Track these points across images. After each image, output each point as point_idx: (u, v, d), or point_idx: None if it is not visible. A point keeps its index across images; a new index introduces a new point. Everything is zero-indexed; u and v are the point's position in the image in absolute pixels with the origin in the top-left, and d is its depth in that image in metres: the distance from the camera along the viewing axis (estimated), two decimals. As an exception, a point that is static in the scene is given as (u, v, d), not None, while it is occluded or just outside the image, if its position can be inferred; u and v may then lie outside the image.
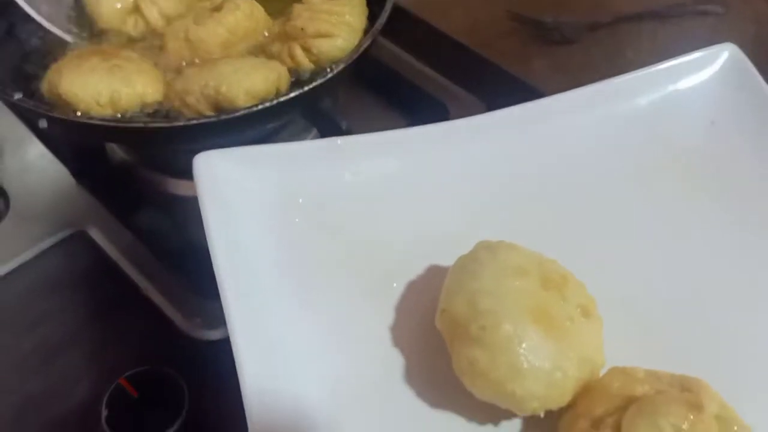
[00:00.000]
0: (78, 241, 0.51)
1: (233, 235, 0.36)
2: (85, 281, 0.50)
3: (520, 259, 0.36)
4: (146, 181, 0.56)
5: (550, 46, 0.66)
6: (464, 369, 0.34)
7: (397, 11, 0.51)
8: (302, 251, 0.38)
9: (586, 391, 0.33)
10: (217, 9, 0.51)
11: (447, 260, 0.38)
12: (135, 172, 0.56)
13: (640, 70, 0.44)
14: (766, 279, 0.40)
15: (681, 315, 0.39)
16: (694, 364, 0.34)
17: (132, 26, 0.52)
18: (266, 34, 0.53)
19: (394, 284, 0.39)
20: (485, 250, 0.36)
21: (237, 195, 0.38)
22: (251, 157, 0.39)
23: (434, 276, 0.39)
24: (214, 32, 0.50)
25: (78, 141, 0.54)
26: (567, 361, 0.32)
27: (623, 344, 0.36)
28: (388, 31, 0.50)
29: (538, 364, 0.32)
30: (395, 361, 0.37)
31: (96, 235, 0.51)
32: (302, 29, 0.49)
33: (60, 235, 0.51)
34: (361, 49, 0.48)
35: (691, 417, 0.30)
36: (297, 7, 0.51)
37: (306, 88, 0.45)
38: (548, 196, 0.42)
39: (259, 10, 0.52)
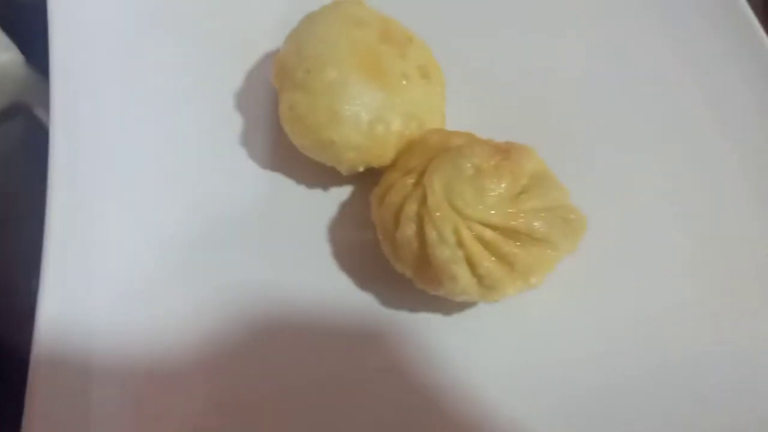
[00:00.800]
0: (24, 119, 0.47)
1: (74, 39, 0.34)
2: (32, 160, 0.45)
3: (364, 13, 0.33)
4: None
5: None
6: (285, 115, 0.32)
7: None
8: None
9: (408, 147, 0.32)
10: None
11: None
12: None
13: None
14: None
15: (534, 90, 0.37)
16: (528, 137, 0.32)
17: None
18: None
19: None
20: (332, 4, 0.34)
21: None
22: None
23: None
24: None
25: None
26: (391, 114, 0.31)
27: (465, 115, 0.34)
28: None
29: (358, 111, 0.30)
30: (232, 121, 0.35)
31: (42, 114, 0.46)
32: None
33: (6, 114, 0.47)
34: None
35: (496, 160, 0.29)
36: None
37: None
38: None
39: None
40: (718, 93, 0.37)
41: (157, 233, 0.33)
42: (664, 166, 0.36)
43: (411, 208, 0.29)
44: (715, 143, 0.36)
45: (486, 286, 0.29)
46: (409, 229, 0.29)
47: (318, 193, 0.35)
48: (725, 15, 0.37)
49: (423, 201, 0.29)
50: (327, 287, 0.32)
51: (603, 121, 0.37)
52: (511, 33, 0.39)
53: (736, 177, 0.35)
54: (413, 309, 0.32)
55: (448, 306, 0.32)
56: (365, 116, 0.31)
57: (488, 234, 0.28)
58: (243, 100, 0.37)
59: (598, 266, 0.33)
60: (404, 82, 0.32)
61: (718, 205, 0.35)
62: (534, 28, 0.39)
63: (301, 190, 0.35)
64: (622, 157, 0.36)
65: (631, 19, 0.39)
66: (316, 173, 0.34)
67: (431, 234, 0.29)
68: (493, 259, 0.29)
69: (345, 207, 0.34)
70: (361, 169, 0.32)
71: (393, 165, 0.32)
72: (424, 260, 0.29)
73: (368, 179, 0.33)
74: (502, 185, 0.29)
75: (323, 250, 0.33)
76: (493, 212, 0.28)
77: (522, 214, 0.29)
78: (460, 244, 0.28)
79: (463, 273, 0.29)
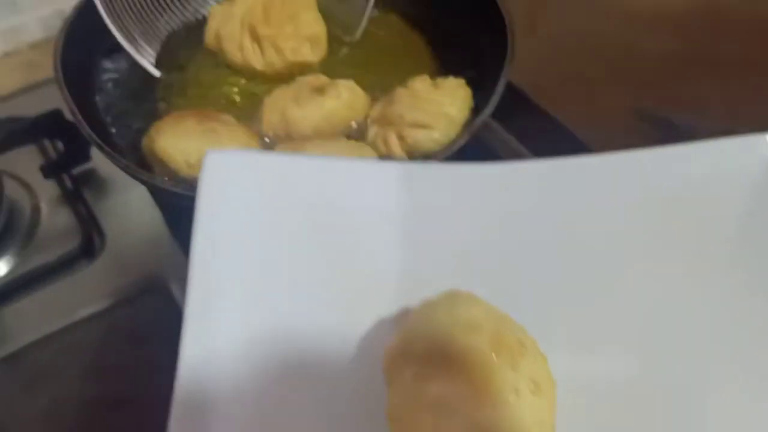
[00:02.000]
0: (161, 294, 0.51)
1: (216, 239, 0.35)
2: (160, 338, 0.47)
3: (478, 314, 0.33)
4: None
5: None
6: (391, 417, 0.32)
7: (511, 92, 0.49)
8: (278, 270, 0.37)
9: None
10: (319, 92, 0.50)
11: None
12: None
13: (671, 145, 0.39)
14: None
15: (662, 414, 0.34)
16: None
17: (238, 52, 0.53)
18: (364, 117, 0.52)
19: (358, 327, 0.37)
20: (447, 299, 0.34)
21: (233, 199, 0.37)
22: (257, 162, 0.38)
23: (400, 317, 0.37)
24: (311, 115, 0.50)
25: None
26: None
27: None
28: (497, 114, 0.47)
29: None
30: (340, 401, 0.35)
31: (177, 292, 0.50)
32: (400, 116, 0.48)
33: (143, 287, 0.51)
34: (456, 146, 0.46)
35: None
36: (400, 92, 0.50)
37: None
38: (540, 260, 0.38)
39: (360, 100, 0.51)
40: None
41: None
42: None
43: None
44: None
45: None
46: None
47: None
48: None
49: None
50: None
51: None
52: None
53: None
54: None
55: None
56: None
57: None
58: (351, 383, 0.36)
59: None
60: (514, 399, 0.30)
61: None
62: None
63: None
64: None
65: None
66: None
67: None
68: None
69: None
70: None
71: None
72: None
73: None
74: None
75: None
76: None
77: None
78: None
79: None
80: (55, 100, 0.50)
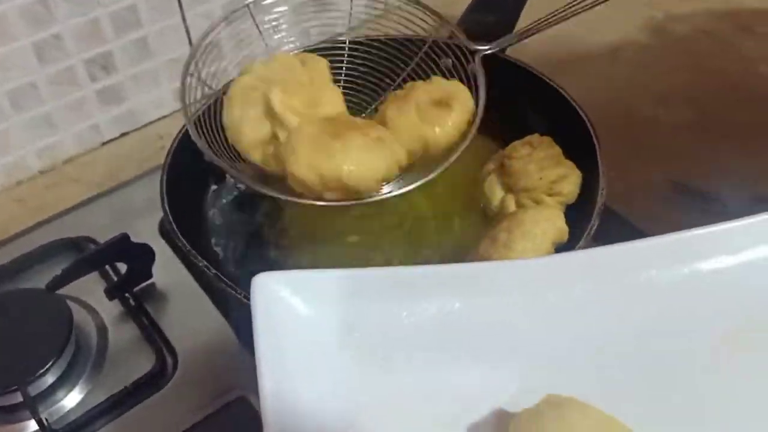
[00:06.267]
0: (239, 407, 0.50)
1: (282, 365, 0.35)
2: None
3: (589, 422, 0.33)
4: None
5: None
6: None
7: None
8: (350, 391, 0.36)
9: None
10: (441, 106, 0.51)
11: (509, 412, 0.35)
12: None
13: (723, 223, 0.40)
14: None
15: None
16: None
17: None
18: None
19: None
20: (551, 406, 0.34)
21: (291, 322, 0.37)
22: (310, 283, 0.38)
23: (497, 429, 0.36)
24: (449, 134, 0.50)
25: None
26: None
27: None
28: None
29: None
30: None
31: (256, 401, 0.48)
32: (540, 178, 0.51)
33: (222, 401, 0.51)
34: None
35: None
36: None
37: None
38: (627, 354, 0.38)
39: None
40: None
41: None
42: None
43: None
44: None
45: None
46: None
47: None
48: None
49: None
50: None
51: None
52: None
53: None
54: None
55: None
56: None
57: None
58: None
59: None
60: None
61: None
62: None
63: None
64: None
65: None
66: None
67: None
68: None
69: None
70: None
71: None
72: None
73: None
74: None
75: None
76: None
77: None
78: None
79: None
80: (94, 216, 0.52)
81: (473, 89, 0.52)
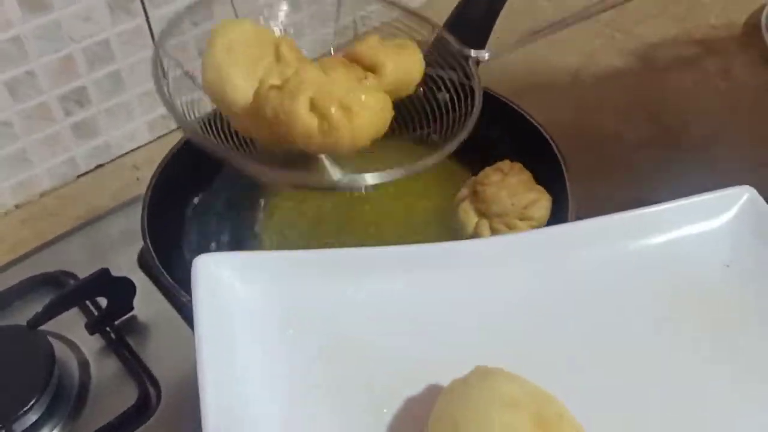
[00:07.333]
0: None
1: (223, 347, 0.35)
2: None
3: (514, 389, 0.34)
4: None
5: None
6: None
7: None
8: (291, 371, 0.37)
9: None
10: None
11: (444, 384, 0.36)
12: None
13: (653, 206, 0.44)
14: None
15: None
16: None
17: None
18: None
19: (385, 410, 0.37)
20: (479, 376, 0.35)
21: (233, 303, 0.37)
22: (249, 264, 0.39)
23: (429, 402, 0.37)
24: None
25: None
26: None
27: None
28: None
29: None
30: None
31: None
32: (513, 204, 0.53)
33: None
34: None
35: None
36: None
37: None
38: (558, 328, 0.41)
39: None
40: None
41: None
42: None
43: None
44: None
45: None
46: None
47: None
48: None
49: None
50: None
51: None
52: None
53: None
54: None
55: None
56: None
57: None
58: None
59: None
60: None
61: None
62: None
63: None
64: None
65: None
66: None
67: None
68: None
69: None
70: None
71: None
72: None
73: None
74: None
75: None
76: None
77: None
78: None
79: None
80: (73, 249, 0.52)
81: (467, 96, 0.53)
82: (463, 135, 0.49)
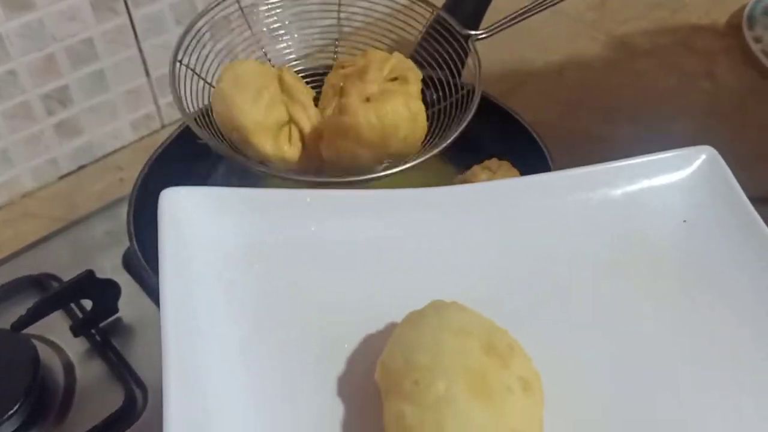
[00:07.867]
0: None
1: (186, 280, 0.35)
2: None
3: (466, 319, 0.35)
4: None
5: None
6: (391, 423, 0.33)
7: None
8: (256, 304, 0.37)
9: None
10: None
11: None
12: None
13: (614, 161, 0.45)
14: (729, 381, 0.38)
15: (630, 415, 0.37)
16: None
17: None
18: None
19: (346, 345, 0.38)
20: (433, 307, 0.36)
21: (196, 237, 0.37)
22: (215, 199, 0.39)
23: (387, 336, 0.38)
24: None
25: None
26: (497, 432, 0.32)
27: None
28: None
29: (465, 429, 0.31)
30: (334, 419, 0.35)
31: None
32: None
33: None
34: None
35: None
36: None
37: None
38: (515, 272, 0.42)
39: None
40: None
41: None
42: None
43: None
44: None
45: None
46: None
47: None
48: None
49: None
50: None
51: None
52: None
53: None
54: None
55: None
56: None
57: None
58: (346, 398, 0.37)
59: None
60: (505, 393, 0.33)
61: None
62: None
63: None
64: None
65: None
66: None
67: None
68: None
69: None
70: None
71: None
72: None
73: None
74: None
75: None
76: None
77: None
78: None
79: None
80: (56, 251, 0.51)
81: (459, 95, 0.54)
82: (455, 133, 0.50)
